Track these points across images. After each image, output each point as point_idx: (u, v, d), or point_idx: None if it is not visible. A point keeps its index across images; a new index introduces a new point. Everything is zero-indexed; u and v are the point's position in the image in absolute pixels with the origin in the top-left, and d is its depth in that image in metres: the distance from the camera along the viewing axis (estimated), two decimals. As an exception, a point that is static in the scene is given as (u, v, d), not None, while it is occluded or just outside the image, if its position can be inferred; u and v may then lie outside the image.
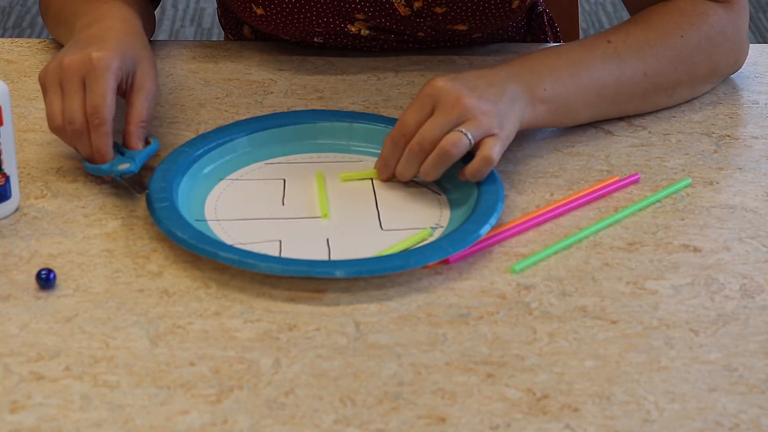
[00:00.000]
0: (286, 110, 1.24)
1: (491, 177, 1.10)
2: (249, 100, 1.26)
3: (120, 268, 1.02)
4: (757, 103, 1.27)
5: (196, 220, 1.07)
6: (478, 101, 1.09)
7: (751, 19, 3.50)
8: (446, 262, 1.03)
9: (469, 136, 1.07)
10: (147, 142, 1.14)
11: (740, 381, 0.92)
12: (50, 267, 1.01)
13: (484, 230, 1.04)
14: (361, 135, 1.18)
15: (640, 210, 1.11)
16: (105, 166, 1.10)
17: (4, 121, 1.04)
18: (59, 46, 1.34)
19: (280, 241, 1.05)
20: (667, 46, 1.22)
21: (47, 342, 0.94)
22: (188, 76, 1.30)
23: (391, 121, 1.18)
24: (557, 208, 1.10)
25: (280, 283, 1.00)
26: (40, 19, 3.29)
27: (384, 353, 0.93)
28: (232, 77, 1.30)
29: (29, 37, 3.28)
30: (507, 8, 1.32)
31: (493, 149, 1.08)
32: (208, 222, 1.07)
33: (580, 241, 1.06)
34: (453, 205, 1.10)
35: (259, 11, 1.31)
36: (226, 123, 1.18)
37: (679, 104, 1.26)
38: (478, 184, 1.09)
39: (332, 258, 1.03)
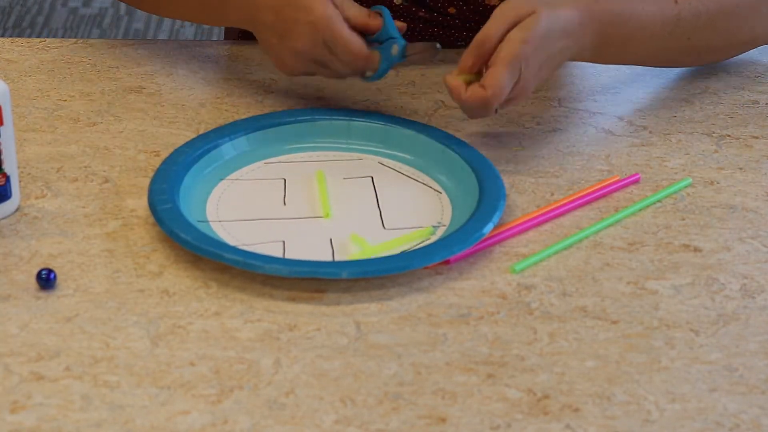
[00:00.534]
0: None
1: (492, 176, 1.09)
2: (249, 100, 1.26)
3: (120, 268, 1.02)
4: (758, 103, 1.27)
5: (199, 221, 1.06)
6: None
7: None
8: (447, 262, 1.03)
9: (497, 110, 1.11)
10: (377, 14, 1.17)
11: (741, 381, 0.92)
12: (50, 267, 1.01)
13: (488, 229, 1.03)
14: (359, 133, 1.18)
15: (640, 210, 1.11)
16: (383, 64, 1.16)
17: (4, 121, 1.04)
18: (59, 46, 1.34)
19: (284, 242, 1.05)
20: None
21: (47, 342, 0.94)
22: (188, 76, 1.30)
23: (389, 120, 1.18)
24: (557, 208, 1.10)
25: (280, 283, 1.00)
26: (40, 19, 3.29)
27: (384, 353, 0.93)
28: (232, 77, 1.30)
29: (29, 37, 3.27)
30: None
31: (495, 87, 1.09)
32: (211, 223, 1.07)
33: (580, 241, 1.06)
34: (454, 203, 1.10)
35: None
36: (226, 123, 1.18)
37: (680, 104, 1.26)
38: (479, 181, 1.09)
39: (336, 259, 1.03)
